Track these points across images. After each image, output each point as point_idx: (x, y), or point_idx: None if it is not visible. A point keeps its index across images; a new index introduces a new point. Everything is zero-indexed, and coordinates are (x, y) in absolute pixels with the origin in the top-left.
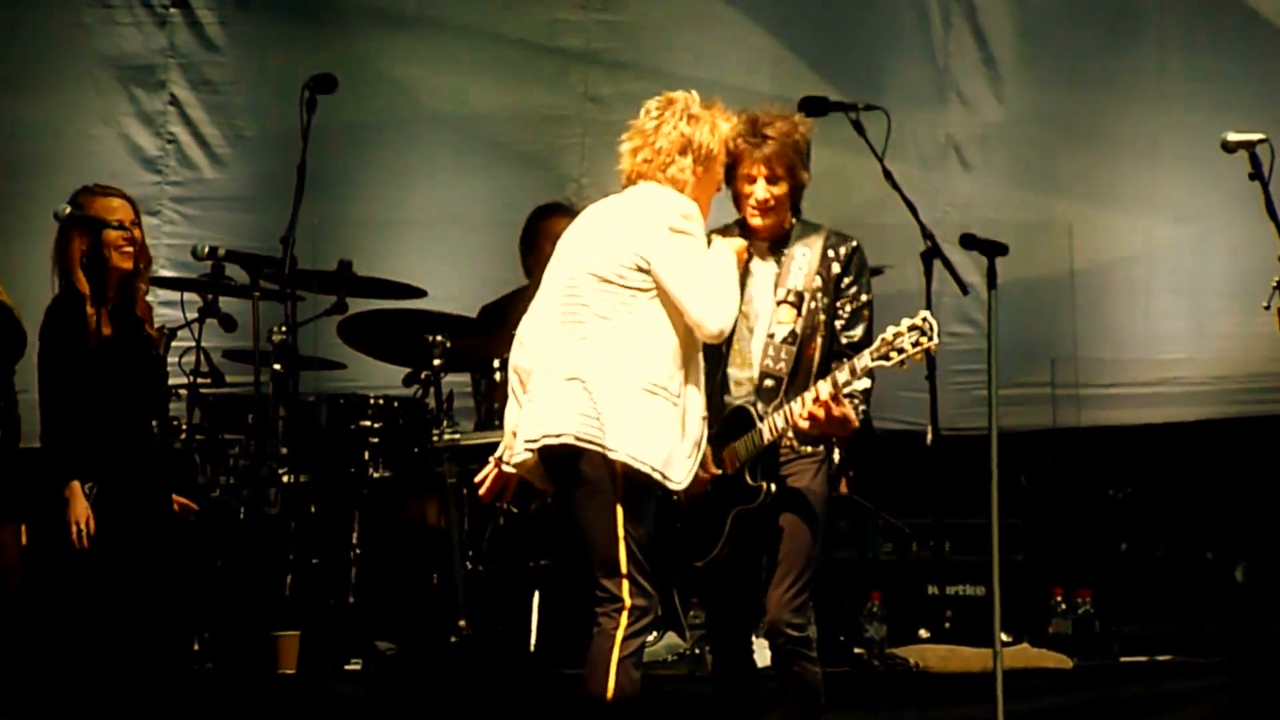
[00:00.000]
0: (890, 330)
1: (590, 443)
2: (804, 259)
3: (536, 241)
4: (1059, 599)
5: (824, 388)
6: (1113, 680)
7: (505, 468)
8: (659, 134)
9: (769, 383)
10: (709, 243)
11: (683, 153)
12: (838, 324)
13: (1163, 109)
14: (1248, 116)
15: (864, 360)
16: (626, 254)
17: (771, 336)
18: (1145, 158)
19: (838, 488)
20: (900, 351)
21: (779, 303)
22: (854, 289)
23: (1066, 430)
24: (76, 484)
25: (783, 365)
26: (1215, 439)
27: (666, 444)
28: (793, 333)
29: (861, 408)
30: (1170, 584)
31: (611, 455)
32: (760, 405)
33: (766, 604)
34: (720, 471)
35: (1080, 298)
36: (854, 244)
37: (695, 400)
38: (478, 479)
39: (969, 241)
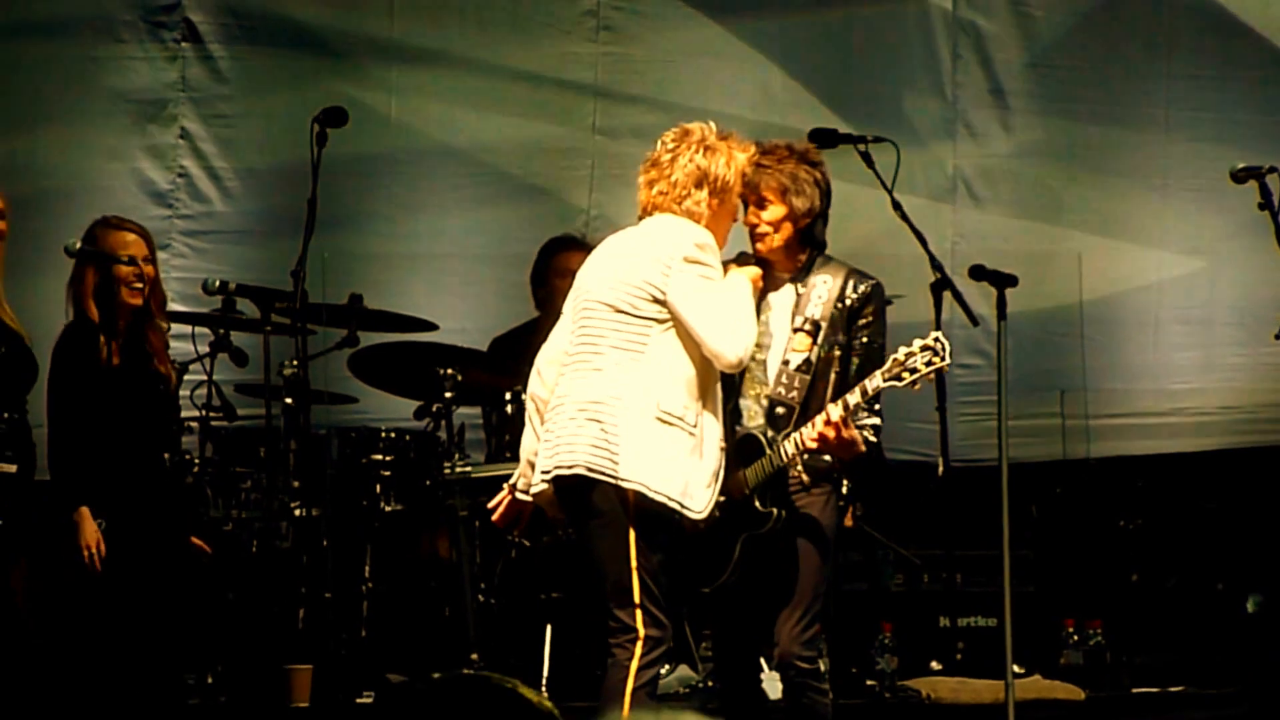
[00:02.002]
0: (902, 350)
1: (602, 474)
2: (824, 288)
3: (547, 275)
4: (1070, 630)
5: (834, 410)
6: (1124, 712)
7: (519, 495)
8: (674, 166)
9: (780, 410)
10: (725, 272)
11: (698, 186)
12: (852, 363)
13: (1171, 139)
14: (1257, 147)
15: (875, 380)
16: (641, 285)
17: (786, 364)
18: (1154, 188)
19: (845, 519)
20: (913, 371)
21: (795, 330)
22: (869, 329)
23: (1077, 461)
24: (85, 509)
25: (795, 394)
26: (1225, 469)
27: (683, 474)
28: (807, 361)
29: (871, 439)
30: (1181, 615)
31: (624, 486)
32: (770, 432)
33: (776, 637)
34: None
35: (1089, 329)
36: (874, 284)
37: (713, 429)
38: (491, 504)
39: (978, 273)
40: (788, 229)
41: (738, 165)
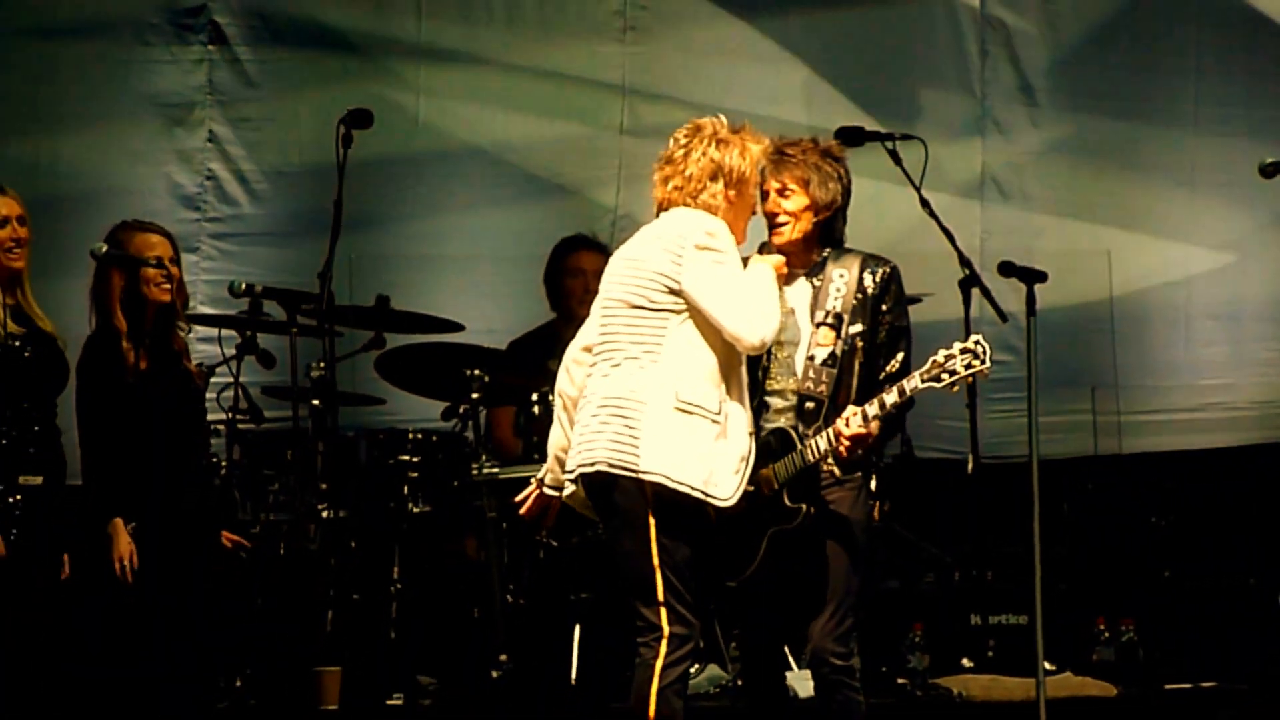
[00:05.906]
0: (941, 352)
1: (621, 468)
2: (841, 280)
3: (557, 276)
4: (1102, 627)
5: (855, 420)
6: (1157, 708)
7: (546, 490)
8: (688, 161)
9: (809, 405)
10: (744, 265)
11: (713, 178)
12: (877, 351)
13: (1200, 134)
14: None
15: (914, 382)
16: (654, 277)
17: (811, 359)
18: (1182, 183)
19: (874, 515)
20: (951, 374)
21: (818, 325)
22: (890, 315)
23: (1108, 457)
24: (119, 520)
25: (823, 387)
26: (1257, 464)
27: (707, 462)
28: (832, 354)
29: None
30: (1213, 611)
31: (645, 478)
32: (801, 427)
33: (810, 634)
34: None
35: (1119, 324)
36: (890, 268)
37: (739, 415)
38: (518, 498)
39: (1007, 269)
40: (808, 220)
41: (752, 157)
